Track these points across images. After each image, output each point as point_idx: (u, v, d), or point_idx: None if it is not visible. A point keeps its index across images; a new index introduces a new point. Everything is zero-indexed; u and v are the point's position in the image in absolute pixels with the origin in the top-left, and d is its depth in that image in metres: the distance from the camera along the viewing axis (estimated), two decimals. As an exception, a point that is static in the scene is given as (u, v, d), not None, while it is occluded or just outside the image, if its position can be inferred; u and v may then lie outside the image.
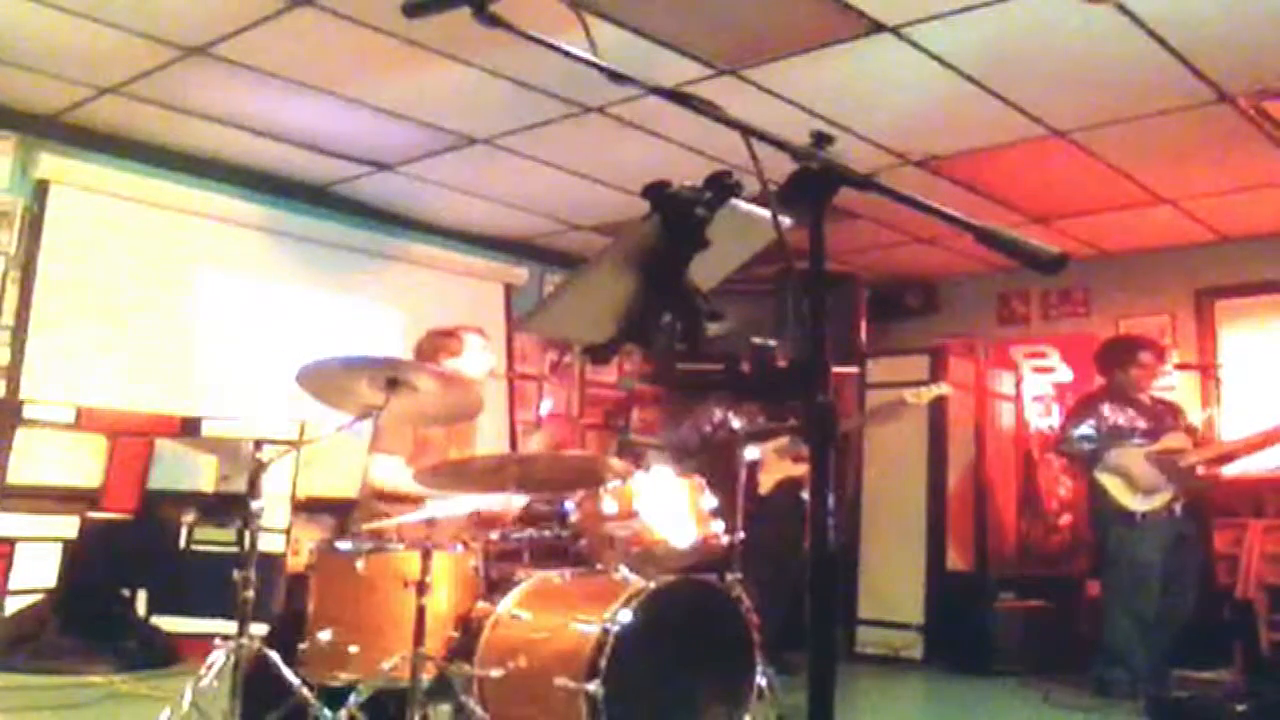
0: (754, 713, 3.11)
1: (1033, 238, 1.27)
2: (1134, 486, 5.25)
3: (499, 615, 2.98)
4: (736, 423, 5.31)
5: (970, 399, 6.74)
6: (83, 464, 5.23)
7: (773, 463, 5.35)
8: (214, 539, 5.36)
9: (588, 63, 1.45)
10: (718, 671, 2.98)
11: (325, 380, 3.09)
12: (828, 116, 4.80)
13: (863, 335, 6.75)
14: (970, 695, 5.57)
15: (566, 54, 1.44)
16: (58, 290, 5.24)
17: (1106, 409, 5.42)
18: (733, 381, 1.35)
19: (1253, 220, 6.21)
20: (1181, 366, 6.52)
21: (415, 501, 3.44)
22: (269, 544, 4.94)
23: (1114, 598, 5.32)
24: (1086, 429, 5.41)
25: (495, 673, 2.86)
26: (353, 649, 2.96)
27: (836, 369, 1.42)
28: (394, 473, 3.75)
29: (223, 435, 5.46)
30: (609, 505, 3.37)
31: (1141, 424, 5.38)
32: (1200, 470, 5.33)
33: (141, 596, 5.23)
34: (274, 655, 2.99)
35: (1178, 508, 5.24)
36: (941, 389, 5.40)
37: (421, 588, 2.83)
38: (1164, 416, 5.48)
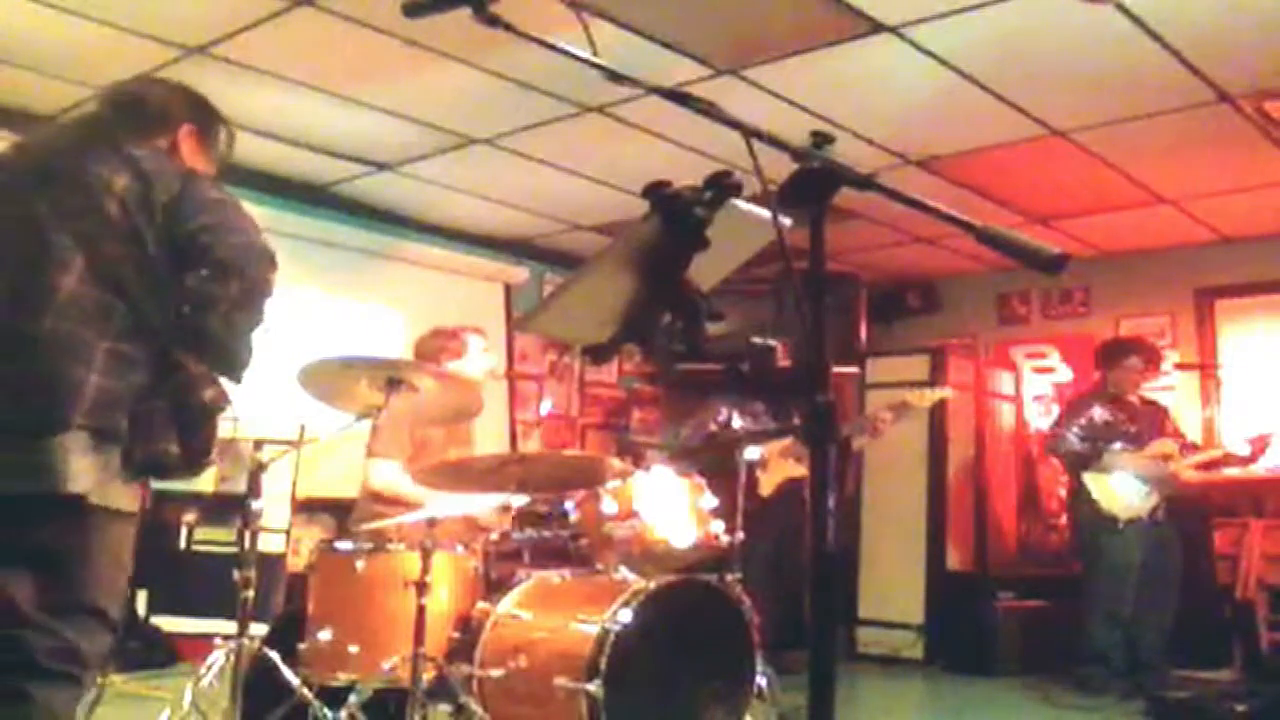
0: (754, 713, 3.11)
1: (1033, 238, 1.27)
2: (1120, 492, 5.28)
3: (499, 615, 2.98)
4: (738, 422, 5.30)
5: (970, 399, 6.74)
6: (82, 464, 5.22)
7: (775, 463, 5.35)
8: (214, 539, 5.35)
9: (588, 63, 1.45)
10: (718, 671, 2.98)
11: (325, 380, 3.08)
12: (828, 116, 4.80)
13: (863, 335, 6.75)
14: (970, 695, 5.57)
15: (566, 54, 1.44)
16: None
17: (1097, 410, 5.45)
18: (733, 381, 1.35)
19: (1253, 220, 6.21)
20: (1181, 366, 6.52)
21: (414, 505, 3.44)
22: (269, 544, 4.93)
23: (1093, 599, 5.39)
24: (1078, 430, 5.43)
25: (495, 673, 2.86)
26: (353, 649, 2.96)
27: (836, 369, 1.42)
28: (393, 477, 3.75)
29: (222, 435, 5.45)
30: (609, 505, 3.37)
31: (1129, 427, 5.41)
32: (1188, 476, 5.37)
33: (141, 596, 5.22)
34: (274, 655, 2.99)
35: (1160, 513, 5.29)
36: (944, 393, 5.39)
37: (421, 588, 2.83)
38: (1151, 419, 5.52)
